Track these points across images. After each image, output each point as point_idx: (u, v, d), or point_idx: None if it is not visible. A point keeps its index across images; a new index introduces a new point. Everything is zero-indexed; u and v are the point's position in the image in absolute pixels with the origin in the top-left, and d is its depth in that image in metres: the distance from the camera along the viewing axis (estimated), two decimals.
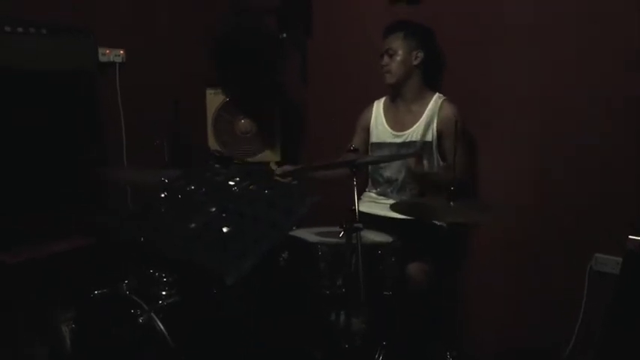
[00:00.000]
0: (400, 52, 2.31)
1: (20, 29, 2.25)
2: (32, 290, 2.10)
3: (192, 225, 1.25)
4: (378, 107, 2.48)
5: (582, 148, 2.18)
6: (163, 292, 1.73)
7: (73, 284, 2.01)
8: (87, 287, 1.76)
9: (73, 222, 2.32)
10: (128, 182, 2.22)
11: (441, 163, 2.34)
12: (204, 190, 1.40)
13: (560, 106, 2.22)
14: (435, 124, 2.29)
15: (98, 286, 1.76)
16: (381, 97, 2.52)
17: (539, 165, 2.29)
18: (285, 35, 3.01)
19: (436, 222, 2.30)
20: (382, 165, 2.42)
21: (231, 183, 1.38)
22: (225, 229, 1.18)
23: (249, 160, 3.05)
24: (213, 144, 3.01)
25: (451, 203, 1.73)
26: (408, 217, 1.94)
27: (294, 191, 1.25)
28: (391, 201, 2.34)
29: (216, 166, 2.70)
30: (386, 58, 2.34)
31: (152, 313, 1.62)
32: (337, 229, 2.04)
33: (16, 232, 2.16)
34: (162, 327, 1.59)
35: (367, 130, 2.49)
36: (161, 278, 1.75)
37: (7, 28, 2.20)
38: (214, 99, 3.02)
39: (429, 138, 2.31)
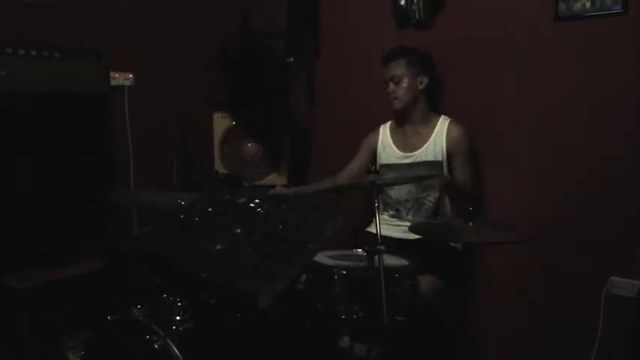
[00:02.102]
0: (405, 78, 2.35)
1: (34, 52, 2.25)
2: (42, 315, 2.05)
3: (219, 246, 1.22)
4: (385, 131, 2.51)
5: (596, 168, 2.17)
6: (178, 317, 1.68)
7: (84, 309, 1.97)
8: (99, 313, 1.71)
9: (83, 245, 2.28)
10: (139, 205, 2.19)
11: None
12: (225, 212, 1.38)
13: (570, 125, 2.23)
14: (444, 145, 2.32)
15: (111, 311, 1.71)
16: (388, 119, 2.54)
17: (551, 186, 2.28)
18: (292, 59, 3.04)
19: (450, 243, 2.28)
20: (391, 186, 2.41)
21: (253, 204, 1.36)
22: (253, 251, 1.16)
23: (256, 183, 3.05)
24: (220, 167, 3.01)
25: (470, 223, 1.72)
26: (422, 240, 1.92)
27: (321, 212, 1.24)
28: (405, 223, 2.33)
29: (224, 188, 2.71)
30: (392, 86, 2.37)
31: (168, 339, 1.57)
32: (352, 251, 2.05)
33: (26, 255, 2.13)
34: (177, 353, 1.55)
35: (373, 152, 2.52)
36: (175, 303, 1.71)
37: (21, 51, 2.21)
38: (221, 122, 3.02)
39: (439, 157, 2.33)
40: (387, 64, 2.39)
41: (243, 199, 1.40)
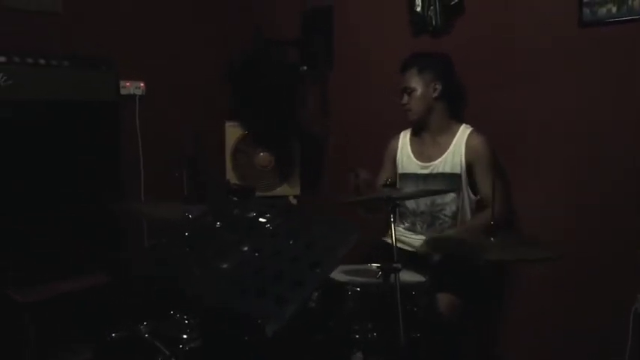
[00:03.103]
0: (418, 88, 2.27)
1: (42, 61, 2.23)
2: (45, 331, 2.00)
3: (224, 266, 1.15)
4: (405, 138, 2.43)
5: (624, 181, 2.07)
6: (185, 336, 1.63)
7: (88, 325, 1.91)
8: (104, 329, 1.66)
9: (88, 258, 2.24)
10: (147, 217, 2.14)
11: (472, 197, 2.25)
12: (233, 227, 1.31)
13: (596, 135, 2.13)
14: (463, 156, 2.22)
15: (115, 327, 1.65)
16: (402, 129, 2.45)
17: (576, 199, 2.18)
18: (305, 68, 2.98)
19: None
20: None
21: (263, 220, 1.29)
22: (261, 270, 1.09)
23: (268, 193, 2.99)
24: (231, 177, 2.96)
25: (492, 239, 1.62)
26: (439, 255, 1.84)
27: (334, 227, 1.16)
28: (420, 236, 2.25)
29: (235, 199, 2.65)
30: (405, 97, 2.30)
31: (174, 359, 1.51)
32: (366, 266, 1.96)
33: (30, 269, 2.09)
34: None
35: (394, 162, 2.43)
36: (182, 320, 1.65)
37: (30, 60, 2.18)
38: (233, 131, 2.98)
39: (457, 170, 2.23)
40: (403, 74, 2.32)
41: (252, 214, 1.34)
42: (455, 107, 2.36)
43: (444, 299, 1.99)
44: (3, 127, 2.16)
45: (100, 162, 2.46)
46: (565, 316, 2.22)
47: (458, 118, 2.35)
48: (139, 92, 2.78)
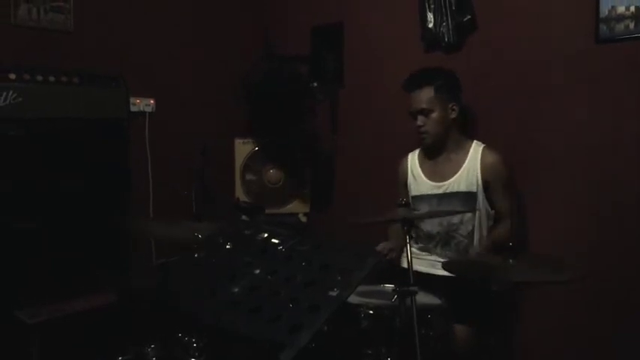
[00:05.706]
0: (435, 109, 2.14)
1: (52, 78, 2.22)
2: (50, 353, 1.95)
3: (236, 289, 1.11)
4: (413, 159, 2.34)
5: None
6: (193, 359, 1.58)
7: (95, 348, 1.87)
8: (110, 352, 1.62)
9: (96, 277, 2.20)
10: (155, 236, 2.10)
11: (491, 212, 2.18)
12: (244, 249, 1.27)
13: (614, 154, 2.09)
14: (479, 174, 2.14)
15: (123, 351, 1.61)
16: (413, 146, 2.39)
17: (593, 214, 2.13)
18: (315, 84, 2.96)
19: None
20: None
21: (276, 241, 1.25)
22: (274, 295, 1.04)
23: (278, 211, 2.95)
24: (240, 194, 2.92)
25: (510, 261, 1.56)
26: (453, 276, 1.78)
27: (350, 251, 1.12)
28: (434, 257, 2.19)
29: (243, 217, 2.61)
30: (421, 119, 2.15)
31: None
32: (380, 287, 1.92)
33: (37, 288, 2.05)
34: None
35: (406, 186, 2.34)
36: (190, 343, 1.61)
37: (40, 77, 2.17)
38: (243, 148, 2.96)
39: (473, 188, 2.15)
40: (413, 92, 2.18)
41: (264, 235, 1.29)
42: (465, 123, 2.30)
43: (457, 331, 1.92)
44: (13, 145, 2.14)
45: (109, 179, 2.43)
46: (591, 343, 2.14)
47: (468, 134, 2.29)
48: (149, 109, 2.77)
